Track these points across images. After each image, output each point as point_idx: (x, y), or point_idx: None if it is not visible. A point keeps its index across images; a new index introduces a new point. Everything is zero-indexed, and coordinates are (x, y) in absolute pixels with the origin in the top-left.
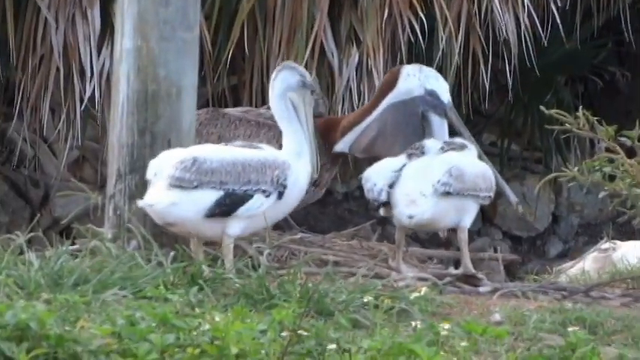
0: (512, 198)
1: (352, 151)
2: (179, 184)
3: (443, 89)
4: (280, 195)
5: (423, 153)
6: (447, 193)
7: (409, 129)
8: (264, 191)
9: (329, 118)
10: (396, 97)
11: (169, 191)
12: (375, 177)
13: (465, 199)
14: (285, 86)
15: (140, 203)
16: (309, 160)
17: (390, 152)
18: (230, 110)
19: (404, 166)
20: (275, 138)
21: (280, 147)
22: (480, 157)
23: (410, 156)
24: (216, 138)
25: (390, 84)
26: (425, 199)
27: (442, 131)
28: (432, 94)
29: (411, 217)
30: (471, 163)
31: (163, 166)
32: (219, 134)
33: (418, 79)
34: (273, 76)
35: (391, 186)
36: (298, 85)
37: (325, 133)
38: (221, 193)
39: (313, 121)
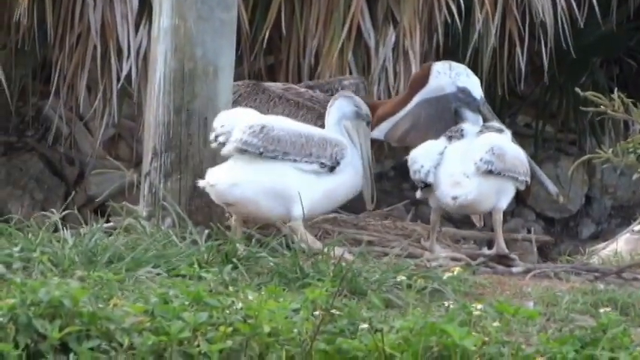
0: (552, 189)
1: (387, 139)
2: (245, 147)
3: (474, 85)
4: (332, 169)
5: (462, 136)
6: (489, 172)
7: (442, 124)
8: (322, 164)
9: (369, 103)
10: (428, 93)
11: (230, 170)
12: (422, 159)
13: (505, 181)
14: (341, 115)
15: (201, 183)
16: (366, 189)
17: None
18: (271, 85)
19: (445, 148)
20: (313, 120)
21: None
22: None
23: (450, 138)
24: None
25: (422, 80)
26: (468, 180)
27: (476, 125)
28: (464, 91)
29: (455, 197)
30: (510, 145)
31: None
32: (258, 109)
33: (449, 77)
34: (330, 103)
35: (436, 168)
36: (353, 115)
37: None
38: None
39: None
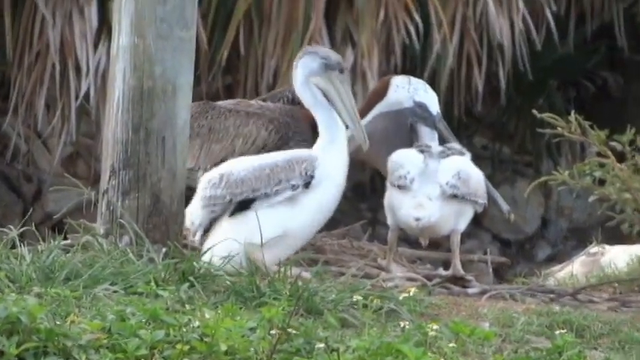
0: (504, 207)
1: None
2: (214, 202)
3: (432, 101)
4: (307, 185)
5: (432, 152)
6: (454, 196)
7: (397, 139)
8: (293, 186)
9: None
10: (385, 106)
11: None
12: (409, 165)
13: (466, 204)
14: (307, 72)
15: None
16: (358, 135)
17: (377, 160)
18: (221, 102)
19: (424, 159)
20: (264, 126)
21: (270, 135)
22: None
23: (422, 152)
24: (207, 130)
25: (380, 93)
26: (432, 203)
27: (432, 142)
28: (421, 106)
29: (418, 219)
30: (473, 168)
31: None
32: (210, 126)
33: (407, 91)
34: (294, 64)
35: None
36: (321, 68)
37: (315, 123)
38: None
39: (299, 109)
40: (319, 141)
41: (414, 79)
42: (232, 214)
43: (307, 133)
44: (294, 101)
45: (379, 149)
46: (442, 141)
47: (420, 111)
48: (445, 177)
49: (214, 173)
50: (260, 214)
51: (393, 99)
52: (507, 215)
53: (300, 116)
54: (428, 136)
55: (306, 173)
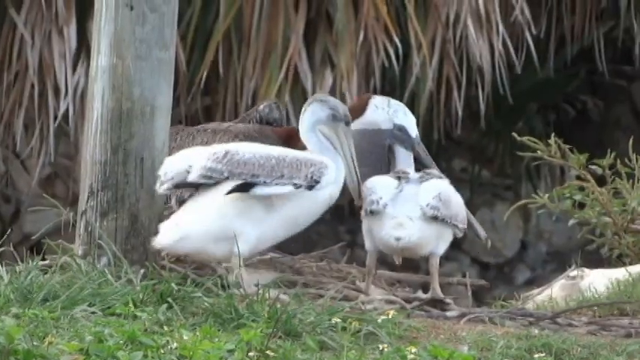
0: (481, 233)
1: None
2: (210, 174)
3: (411, 124)
4: (310, 188)
5: (409, 179)
6: (434, 218)
7: (373, 157)
8: (295, 184)
9: (291, 127)
10: (362, 124)
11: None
12: (381, 190)
13: (446, 227)
14: (315, 120)
15: (154, 244)
16: (353, 186)
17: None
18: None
19: (399, 185)
20: (230, 140)
21: None
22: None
23: (399, 178)
24: (178, 151)
25: (358, 111)
26: (412, 223)
27: (408, 163)
28: (400, 129)
29: (398, 238)
30: (453, 192)
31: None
32: (180, 147)
33: (387, 113)
34: (302, 109)
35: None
36: (328, 118)
37: (288, 141)
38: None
39: (269, 128)
40: None
41: (393, 101)
42: (230, 192)
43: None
44: (262, 121)
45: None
46: (420, 165)
47: (399, 134)
48: (425, 198)
49: (221, 147)
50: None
51: (371, 118)
52: (484, 241)
53: (269, 134)
54: (404, 157)
55: (311, 176)
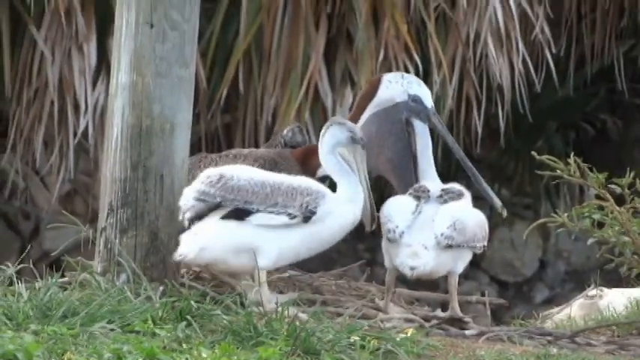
0: (497, 202)
1: None
2: (203, 198)
3: (426, 94)
4: (306, 219)
5: (428, 197)
6: (449, 246)
7: (392, 137)
8: (290, 214)
9: (307, 147)
10: (377, 106)
11: (195, 237)
12: (398, 218)
13: (463, 250)
14: (335, 142)
15: (175, 257)
16: (365, 213)
17: (377, 163)
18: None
19: (416, 208)
20: (250, 165)
21: None
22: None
23: (418, 198)
24: None
25: (370, 95)
26: (427, 252)
27: (425, 137)
28: (415, 99)
29: (413, 268)
30: (471, 214)
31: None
32: None
33: (401, 85)
34: (322, 132)
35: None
36: (348, 140)
37: (305, 161)
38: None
39: (289, 151)
40: (337, 195)
41: (407, 74)
42: (225, 217)
43: (296, 170)
44: (287, 146)
45: (378, 152)
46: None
47: (414, 104)
48: (440, 228)
49: (216, 171)
50: (255, 229)
51: (386, 95)
52: (500, 211)
53: (288, 156)
54: (421, 132)
55: (306, 207)
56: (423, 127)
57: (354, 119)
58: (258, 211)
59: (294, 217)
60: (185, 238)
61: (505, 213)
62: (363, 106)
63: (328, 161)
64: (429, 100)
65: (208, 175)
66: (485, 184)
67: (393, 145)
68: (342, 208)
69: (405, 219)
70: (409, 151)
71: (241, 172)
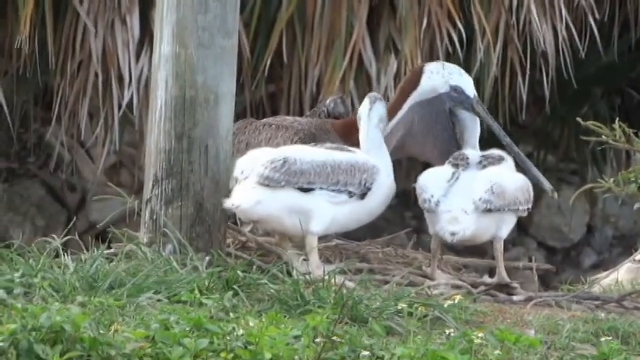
0: (547, 185)
1: None
2: (267, 183)
3: (467, 84)
4: (362, 196)
5: (467, 164)
6: (488, 210)
7: (438, 127)
8: (350, 193)
9: (347, 120)
10: (420, 95)
11: (255, 189)
12: (432, 188)
13: (505, 213)
14: (379, 118)
15: (226, 204)
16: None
17: (423, 151)
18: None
19: (453, 176)
20: (290, 138)
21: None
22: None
23: (456, 166)
24: (245, 145)
25: (413, 83)
26: (466, 217)
27: (474, 125)
28: (456, 89)
29: (453, 234)
30: (510, 178)
31: (253, 165)
32: (247, 141)
33: (442, 77)
34: (366, 106)
35: (445, 196)
36: (385, 117)
37: (346, 134)
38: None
39: (330, 122)
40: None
41: (447, 64)
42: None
43: (336, 143)
44: (330, 116)
45: (423, 140)
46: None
47: (456, 95)
48: (478, 192)
49: (279, 155)
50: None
51: (428, 86)
52: (551, 194)
53: (329, 128)
54: (468, 120)
55: (364, 183)
56: (470, 116)
57: (396, 108)
58: (321, 188)
59: (353, 195)
60: (240, 189)
61: (556, 196)
62: (405, 95)
63: (374, 136)
64: (471, 90)
65: (272, 160)
66: (534, 169)
67: (440, 134)
68: (388, 181)
69: (440, 187)
70: (454, 140)
71: (303, 155)
